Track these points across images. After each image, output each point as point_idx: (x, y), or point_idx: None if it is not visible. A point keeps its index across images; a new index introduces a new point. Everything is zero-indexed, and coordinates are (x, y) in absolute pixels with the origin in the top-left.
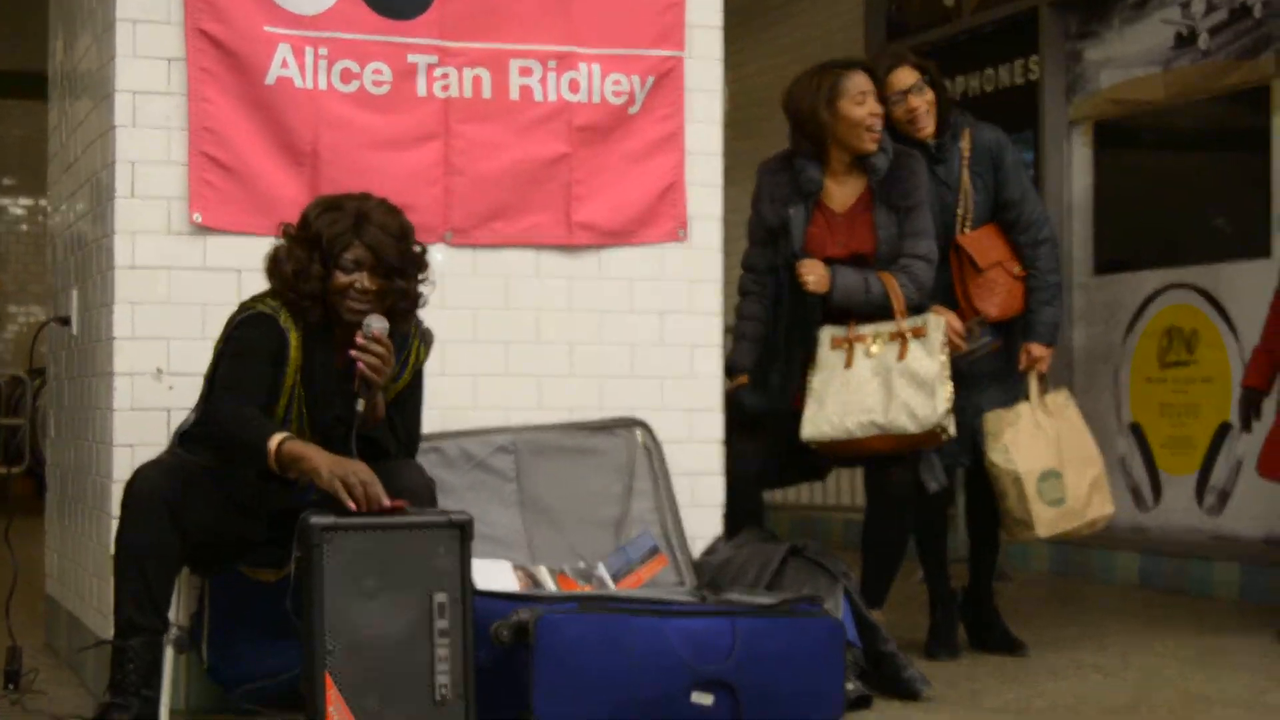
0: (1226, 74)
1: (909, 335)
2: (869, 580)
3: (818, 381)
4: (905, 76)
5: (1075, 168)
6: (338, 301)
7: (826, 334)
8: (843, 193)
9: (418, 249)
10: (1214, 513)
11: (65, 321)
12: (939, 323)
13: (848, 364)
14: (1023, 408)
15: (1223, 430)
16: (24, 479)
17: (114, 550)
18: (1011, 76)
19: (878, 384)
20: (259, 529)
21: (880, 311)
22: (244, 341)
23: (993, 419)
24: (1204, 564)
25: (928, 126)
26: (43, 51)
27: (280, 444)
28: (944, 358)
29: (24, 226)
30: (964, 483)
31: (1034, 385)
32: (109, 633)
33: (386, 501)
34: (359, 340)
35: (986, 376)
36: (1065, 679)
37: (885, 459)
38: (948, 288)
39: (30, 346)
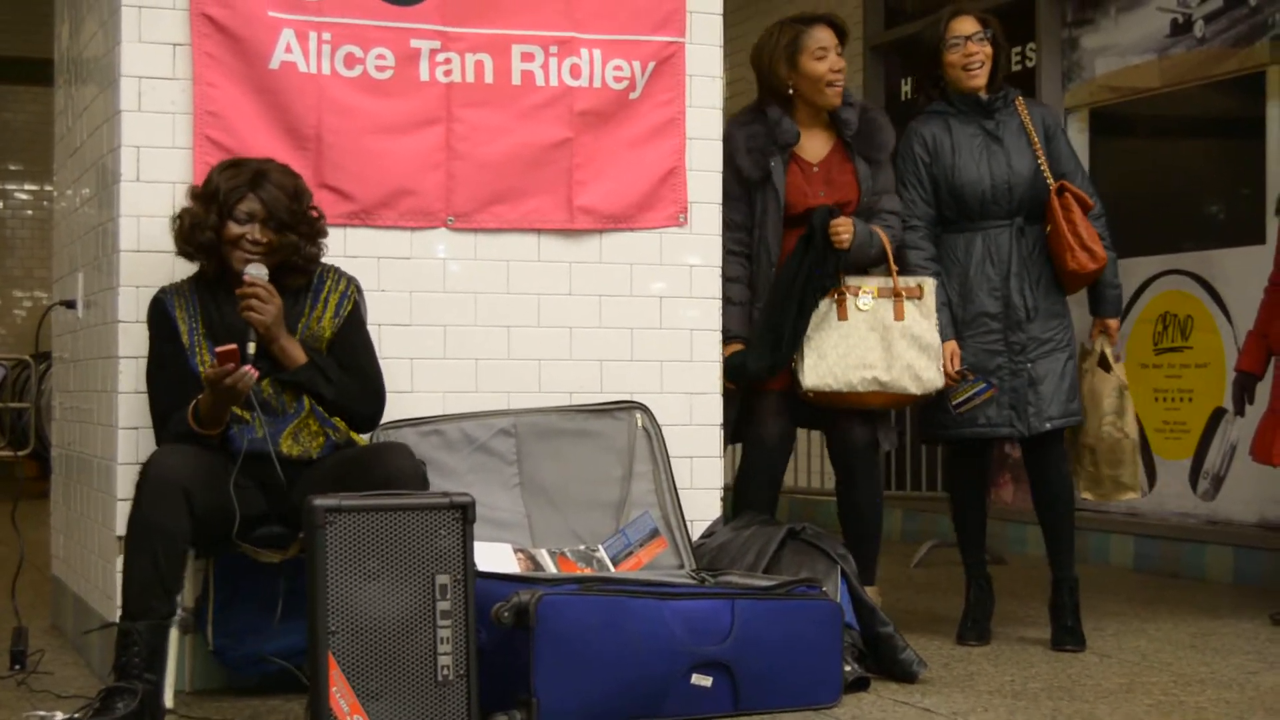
0: (1222, 61)
1: (904, 295)
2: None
3: (810, 329)
4: (967, 24)
5: None
6: (230, 252)
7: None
8: (813, 145)
9: (313, 214)
10: (1208, 497)
11: (71, 305)
12: (933, 285)
13: (841, 315)
14: (1113, 379)
15: (1217, 415)
16: (29, 462)
17: (126, 531)
18: (1008, 63)
19: (875, 340)
20: (258, 502)
21: (871, 266)
22: (150, 355)
23: (1112, 396)
24: (1198, 548)
25: (979, 77)
26: (49, 38)
27: (194, 418)
28: (937, 320)
29: (30, 211)
30: (1025, 459)
31: (1109, 353)
32: (113, 614)
33: (242, 367)
34: (237, 291)
35: (1041, 344)
36: (1060, 661)
37: (847, 418)
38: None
39: (36, 330)
